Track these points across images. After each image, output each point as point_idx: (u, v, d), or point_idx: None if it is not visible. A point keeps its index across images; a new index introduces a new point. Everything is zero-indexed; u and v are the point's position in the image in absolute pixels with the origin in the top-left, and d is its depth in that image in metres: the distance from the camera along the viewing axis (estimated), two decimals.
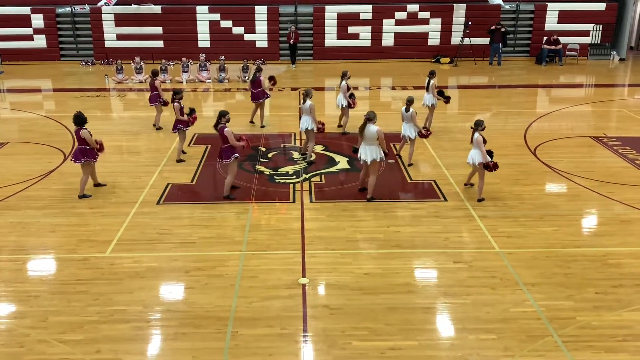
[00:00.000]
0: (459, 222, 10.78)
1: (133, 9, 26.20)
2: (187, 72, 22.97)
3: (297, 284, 8.76)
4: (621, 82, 23.97)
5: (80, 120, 11.77)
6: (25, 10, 26.16)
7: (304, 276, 8.95)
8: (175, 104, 13.77)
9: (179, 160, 13.74)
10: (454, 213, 11.13)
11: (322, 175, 13.00)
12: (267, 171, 13.22)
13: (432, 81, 15.37)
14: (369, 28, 26.51)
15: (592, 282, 8.77)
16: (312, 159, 13.77)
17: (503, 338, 7.52)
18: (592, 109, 19.07)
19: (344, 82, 15.54)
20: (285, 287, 8.66)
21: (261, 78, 16.35)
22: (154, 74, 16.63)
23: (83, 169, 11.86)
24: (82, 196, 11.80)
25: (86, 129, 11.75)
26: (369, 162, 11.31)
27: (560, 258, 9.47)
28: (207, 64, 23.23)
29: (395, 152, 13.86)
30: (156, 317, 8.05)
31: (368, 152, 11.26)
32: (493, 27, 25.32)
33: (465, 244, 9.97)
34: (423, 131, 13.25)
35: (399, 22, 26.51)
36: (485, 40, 25.80)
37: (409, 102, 13.02)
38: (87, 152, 11.75)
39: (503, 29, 25.30)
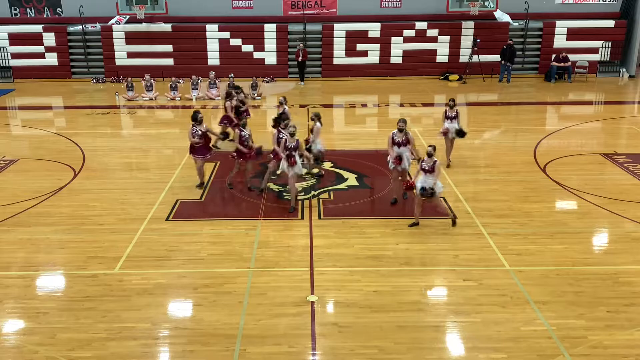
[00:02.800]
0: (469, 239, 10.72)
1: (144, 27, 26.45)
2: (196, 89, 23.11)
3: (305, 301, 8.72)
4: (631, 99, 23.89)
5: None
6: (37, 28, 26.46)
7: (312, 293, 8.92)
8: (236, 130, 13.30)
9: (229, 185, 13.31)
10: (463, 230, 11.07)
11: (331, 192, 12.99)
12: (275, 187, 13.21)
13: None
14: (378, 46, 26.60)
15: (603, 301, 8.68)
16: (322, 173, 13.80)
17: (513, 357, 7.44)
18: (602, 126, 19.01)
19: (318, 124, 13.50)
20: (294, 305, 8.62)
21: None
22: (228, 95, 16.20)
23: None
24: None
25: (192, 125, 12.71)
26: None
27: (571, 276, 9.39)
28: (217, 81, 23.37)
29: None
30: (164, 335, 8.03)
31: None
32: (505, 47, 25.38)
33: (474, 262, 9.89)
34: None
35: (407, 40, 26.59)
36: (494, 58, 25.83)
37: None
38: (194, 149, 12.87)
39: (510, 46, 25.32)
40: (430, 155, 10.83)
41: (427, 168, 10.84)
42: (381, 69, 26.79)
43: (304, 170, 12.74)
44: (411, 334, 7.94)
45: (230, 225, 11.43)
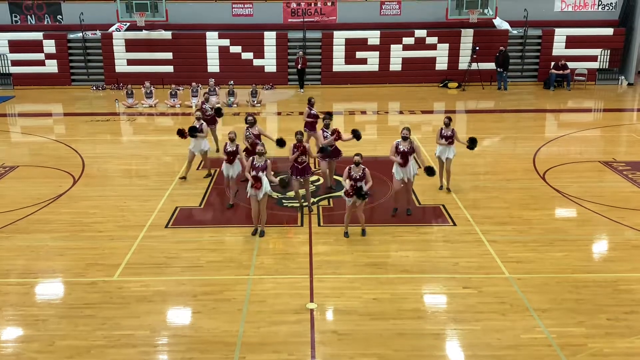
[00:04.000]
0: (468, 246, 10.72)
1: (144, 34, 26.51)
2: (196, 96, 23.11)
3: (305, 308, 8.70)
4: (630, 106, 23.94)
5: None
6: (37, 35, 26.52)
7: (312, 301, 8.90)
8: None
9: (330, 187, 13.40)
10: (462, 238, 11.07)
11: (331, 199, 12.99)
12: (275, 195, 13.20)
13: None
14: (377, 53, 26.67)
15: (603, 308, 8.67)
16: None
17: None
18: (601, 134, 19.03)
19: None
20: (293, 312, 8.60)
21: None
22: (309, 101, 16.09)
23: None
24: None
25: (246, 128, 13.23)
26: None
27: (571, 284, 9.38)
28: (217, 88, 23.40)
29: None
30: (163, 342, 8.01)
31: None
32: (497, 54, 25.47)
33: (474, 269, 9.89)
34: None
35: (406, 48, 26.66)
36: (494, 65, 25.89)
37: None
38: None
39: (503, 52, 25.37)
40: (357, 164, 10.78)
41: (357, 177, 10.78)
42: (380, 76, 26.84)
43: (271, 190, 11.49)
44: (411, 342, 7.92)
45: (229, 232, 11.42)
